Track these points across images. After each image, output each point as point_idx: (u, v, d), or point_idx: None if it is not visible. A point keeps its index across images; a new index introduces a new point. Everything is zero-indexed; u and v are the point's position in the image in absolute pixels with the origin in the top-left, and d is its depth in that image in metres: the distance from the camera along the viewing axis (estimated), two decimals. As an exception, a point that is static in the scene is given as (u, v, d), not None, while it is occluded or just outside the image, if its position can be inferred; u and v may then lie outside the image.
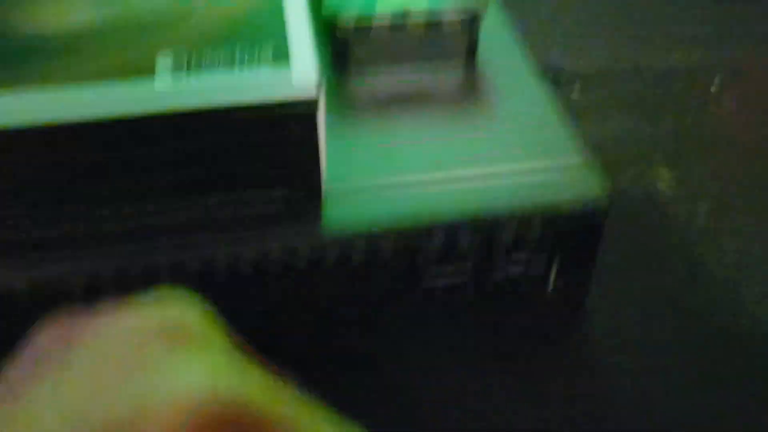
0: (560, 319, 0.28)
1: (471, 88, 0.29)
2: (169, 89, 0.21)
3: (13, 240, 0.22)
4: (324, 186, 0.23)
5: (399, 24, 0.29)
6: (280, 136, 0.22)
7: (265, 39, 0.22)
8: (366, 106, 0.28)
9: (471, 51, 0.30)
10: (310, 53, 0.22)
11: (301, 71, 0.21)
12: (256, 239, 0.23)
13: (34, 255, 0.22)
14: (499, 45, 0.31)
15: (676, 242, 0.32)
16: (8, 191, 0.21)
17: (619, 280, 0.30)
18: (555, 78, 0.39)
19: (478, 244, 0.24)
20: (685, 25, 0.43)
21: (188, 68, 0.21)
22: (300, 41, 0.22)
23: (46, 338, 0.15)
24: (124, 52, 0.22)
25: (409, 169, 0.25)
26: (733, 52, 0.42)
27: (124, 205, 0.22)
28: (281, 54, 0.22)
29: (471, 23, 0.30)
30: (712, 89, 0.39)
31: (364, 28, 0.29)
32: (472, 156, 0.25)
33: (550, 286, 0.26)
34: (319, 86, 0.21)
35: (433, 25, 0.29)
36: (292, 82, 0.21)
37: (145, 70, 0.21)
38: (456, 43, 0.30)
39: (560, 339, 0.27)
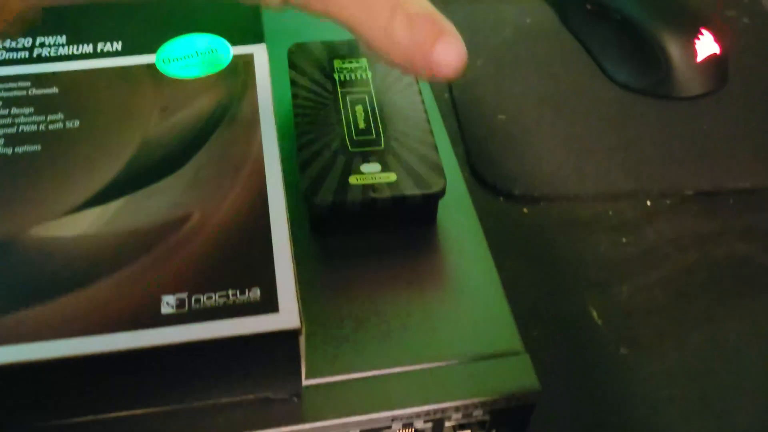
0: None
1: (429, 261, 0.34)
2: (171, 329, 0.25)
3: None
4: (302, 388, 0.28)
5: (369, 200, 0.33)
6: (265, 357, 0.27)
7: (255, 284, 0.27)
8: (338, 277, 0.33)
9: (431, 221, 0.35)
10: (292, 295, 0.26)
11: (286, 310, 0.26)
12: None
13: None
14: (457, 217, 0.35)
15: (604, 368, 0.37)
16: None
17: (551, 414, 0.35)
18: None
19: (432, 425, 0.29)
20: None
21: (189, 309, 0.26)
22: (284, 286, 0.27)
23: None
24: (131, 293, 0.26)
25: (374, 363, 0.30)
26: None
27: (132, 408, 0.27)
28: (269, 297, 0.26)
29: (431, 198, 0.34)
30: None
31: (338, 204, 0.33)
32: (426, 347, 0.30)
33: (491, 442, 0.32)
34: (300, 319, 0.26)
35: (398, 200, 0.34)
36: (278, 319, 0.26)
37: (150, 312, 0.26)
38: (417, 215, 0.35)
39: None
